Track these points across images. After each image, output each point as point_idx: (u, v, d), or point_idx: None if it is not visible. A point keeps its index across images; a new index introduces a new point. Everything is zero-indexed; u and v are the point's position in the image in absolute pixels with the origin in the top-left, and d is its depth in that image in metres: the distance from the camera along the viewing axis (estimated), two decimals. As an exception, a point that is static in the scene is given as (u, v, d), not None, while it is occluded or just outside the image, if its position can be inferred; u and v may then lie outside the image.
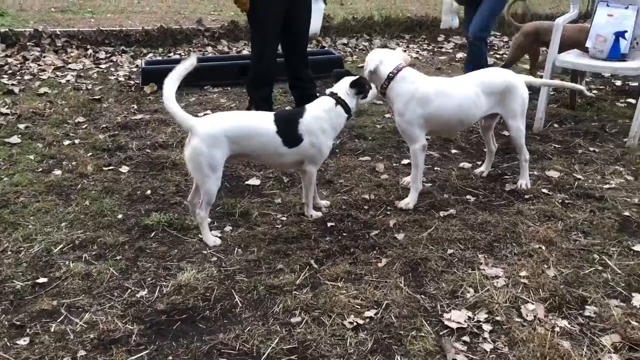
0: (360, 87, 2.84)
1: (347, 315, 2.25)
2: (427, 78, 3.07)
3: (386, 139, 3.97)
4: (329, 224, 2.92)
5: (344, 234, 2.85)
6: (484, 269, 2.54)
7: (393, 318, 2.25)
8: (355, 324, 2.21)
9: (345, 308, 2.29)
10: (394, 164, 3.65)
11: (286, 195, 3.23)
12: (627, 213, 2.98)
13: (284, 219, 2.99)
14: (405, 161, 3.65)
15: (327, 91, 2.89)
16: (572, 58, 4.16)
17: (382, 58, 3.01)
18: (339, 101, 2.80)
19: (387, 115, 4.45)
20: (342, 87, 2.83)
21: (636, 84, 5.17)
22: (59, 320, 2.23)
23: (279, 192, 3.27)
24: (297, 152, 2.75)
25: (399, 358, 2.06)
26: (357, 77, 2.87)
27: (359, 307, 2.31)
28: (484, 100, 3.04)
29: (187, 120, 2.60)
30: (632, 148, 3.80)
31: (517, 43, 4.91)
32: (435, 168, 3.60)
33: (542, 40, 4.67)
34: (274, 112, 2.84)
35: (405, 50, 6.11)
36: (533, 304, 2.33)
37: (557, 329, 2.18)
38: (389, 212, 3.05)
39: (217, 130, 2.60)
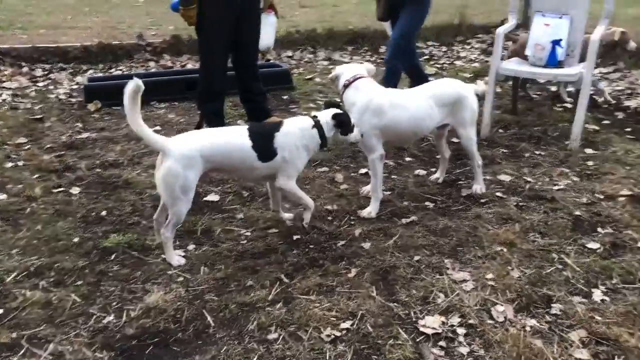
0: (340, 121, 2.83)
1: (323, 328, 2.24)
2: (382, 89, 3.13)
3: (342, 149, 4.00)
4: (294, 237, 2.90)
5: (311, 246, 2.84)
6: (451, 274, 2.59)
7: (369, 328, 2.26)
8: (332, 336, 2.20)
9: (321, 321, 2.28)
10: (352, 174, 3.67)
11: (248, 210, 3.19)
12: (577, 212, 3.12)
13: (249, 234, 2.95)
14: (362, 170, 3.69)
15: (312, 114, 2.90)
16: (514, 66, 4.34)
17: (345, 69, 3.09)
18: (317, 125, 2.80)
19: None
20: (326, 115, 2.85)
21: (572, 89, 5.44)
22: (20, 353, 2.12)
23: (240, 207, 3.23)
24: (270, 166, 2.72)
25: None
26: (343, 112, 2.87)
27: (334, 319, 2.30)
28: (437, 111, 3.12)
29: (159, 142, 2.50)
30: (574, 150, 3.98)
31: (515, 55, 4.93)
32: (392, 176, 3.65)
33: None
34: (247, 127, 2.80)
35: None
36: (502, 305, 2.39)
37: (527, 328, 2.25)
38: (353, 222, 3.07)
39: (192, 150, 2.53)
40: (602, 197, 3.30)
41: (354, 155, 3.92)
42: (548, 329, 2.25)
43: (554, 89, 5.47)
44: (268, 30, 4.23)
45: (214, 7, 3.78)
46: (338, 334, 2.22)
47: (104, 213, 3.14)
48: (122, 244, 2.82)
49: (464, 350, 2.15)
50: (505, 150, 4.05)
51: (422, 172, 3.71)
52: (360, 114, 3.01)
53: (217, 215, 3.15)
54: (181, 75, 5.22)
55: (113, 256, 2.75)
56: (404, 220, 3.08)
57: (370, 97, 3.03)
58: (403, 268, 2.64)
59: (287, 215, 3.08)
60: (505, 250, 2.77)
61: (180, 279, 2.58)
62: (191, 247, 2.84)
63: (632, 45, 4.64)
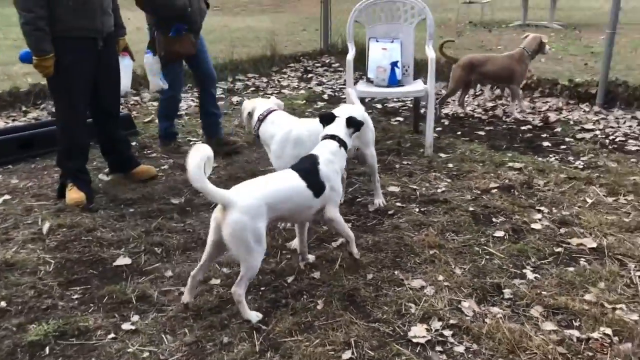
0: (356, 124, 2.88)
1: (331, 364, 2.21)
2: (297, 120, 3.19)
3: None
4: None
5: (262, 288, 2.76)
6: (408, 284, 2.75)
7: (370, 352, 2.29)
8: None
9: (322, 358, 2.25)
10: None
11: (173, 266, 2.96)
12: (471, 208, 3.53)
13: (190, 290, 2.73)
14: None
15: (325, 133, 2.84)
16: (364, 87, 4.71)
17: (257, 103, 3.09)
18: (341, 143, 2.79)
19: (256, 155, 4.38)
20: (340, 127, 2.82)
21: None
22: None
23: (163, 265, 2.98)
24: (321, 199, 2.66)
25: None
26: (349, 115, 2.89)
27: (333, 352, 2.29)
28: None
29: (225, 196, 2.35)
30: (431, 156, 4.46)
31: (455, 75, 5.38)
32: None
33: (477, 72, 5.34)
34: (293, 168, 2.67)
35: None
36: (465, 301, 2.61)
37: (498, 315, 2.50)
38: (288, 256, 3.05)
39: (259, 200, 2.39)
40: (479, 192, 3.77)
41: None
42: (512, 312, 2.54)
43: (392, 105, 6.02)
44: (126, 73, 3.96)
45: (72, 53, 3.43)
46: (346, 366, 2.21)
47: (3, 304, 2.63)
48: (51, 333, 2.41)
49: (460, 349, 2.32)
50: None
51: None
52: (282, 146, 3.03)
53: (142, 278, 2.86)
54: (11, 134, 4.55)
55: (47, 350, 2.33)
56: (333, 244, 3.15)
57: (289, 128, 3.07)
58: (363, 289, 2.71)
59: (311, 257, 2.96)
60: (437, 252, 3.02)
61: (146, 354, 2.30)
62: (135, 318, 2.55)
63: (547, 49, 5.39)
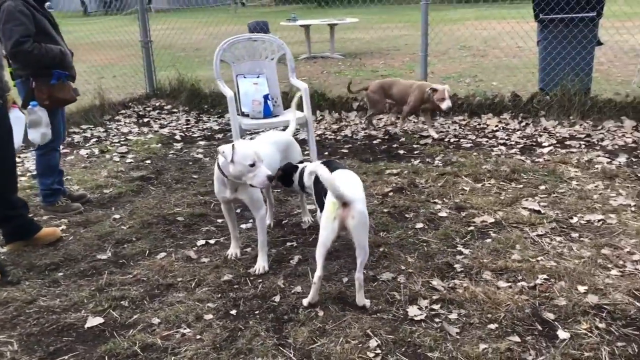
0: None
1: (371, 353, 2.50)
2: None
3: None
4: (232, 312, 2.89)
5: (256, 312, 2.90)
6: (380, 278, 3.13)
7: (389, 335, 2.63)
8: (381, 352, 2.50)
9: (354, 351, 2.52)
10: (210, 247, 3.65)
11: (154, 313, 2.92)
12: (385, 210, 4.05)
13: (189, 330, 2.76)
14: (200, 242, 3.71)
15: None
16: (247, 120, 4.98)
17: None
18: None
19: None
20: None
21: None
22: None
23: (141, 315, 2.91)
24: None
25: (437, 355, 2.51)
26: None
27: (360, 344, 2.57)
28: (278, 156, 3.57)
29: (347, 193, 2.71)
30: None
31: (371, 99, 6.11)
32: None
33: (387, 94, 6.02)
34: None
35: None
36: (433, 280, 3.09)
37: (464, 285, 3.03)
38: (259, 280, 3.21)
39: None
40: (381, 196, 4.33)
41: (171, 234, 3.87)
42: (470, 280, 3.08)
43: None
44: (18, 127, 3.67)
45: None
46: (384, 348, 2.52)
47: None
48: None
49: (453, 316, 2.77)
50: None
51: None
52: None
53: (129, 331, 2.78)
54: None
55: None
56: (292, 261, 3.39)
57: None
58: (347, 290, 3.03)
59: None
60: (385, 249, 3.45)
61: (193, 394, 2.33)
62: (154, 366, 2.51)
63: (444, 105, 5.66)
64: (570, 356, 2.42)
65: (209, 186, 4.72)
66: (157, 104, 8.03)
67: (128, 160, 5.55)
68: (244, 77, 5.18)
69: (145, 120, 7.37)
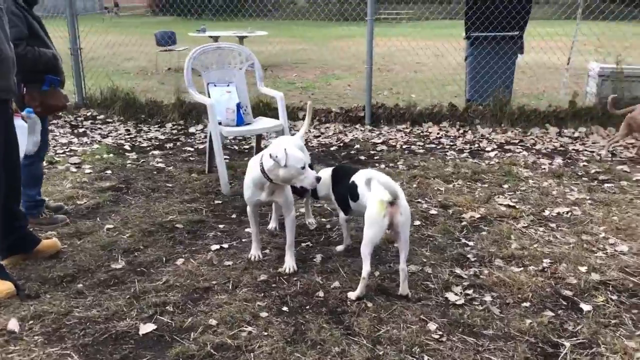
0: None
1: (415, 344, 2.74)
2: None
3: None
4: (283, 309, 2.98)
5: (310, 309, 3.02)
6: (409, 269, 3.38)
7: (442, 319, 2.89)
8: (439, 333, 2.75)
9: (419, 334, 2.75)
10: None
11: (205, 316, 2.93)
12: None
13: (251, 328, 2.82)
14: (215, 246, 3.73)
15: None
16: (228, 128, 4.98)
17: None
18: None
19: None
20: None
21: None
22: None
23: (194, 318, 2.92)
24: None
25: (492, 332, 2.80)
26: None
27: (420, 328, 2.80)
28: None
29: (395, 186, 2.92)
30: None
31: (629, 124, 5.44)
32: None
33: None
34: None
35: None
36: (455, 269, 3.40)
37: (484, 271, 3.37)
38: (295, 278, 3.32)
39: None
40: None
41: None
42: (486, 267, 3.43)
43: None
44: (22, 138, 3.47)
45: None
46: (443, 329, 2.77)
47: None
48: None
49: (487, 298, 3.09)
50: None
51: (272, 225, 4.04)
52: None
53: (191, 334, 2.77)
54: None
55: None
56: (316, 260, 3.54)
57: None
58: (384, 282, 3.24)
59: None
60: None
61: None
62: (236, 364, 2.56)
63: None
64: (602, 324, 2.82)
65: (190, 194, 4.69)
66: (89, 114, 7.68)
67: (87, 171, 5.32)
68: (215, 86, 5.20)
69: (81, 130, 7.04)
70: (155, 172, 5.32)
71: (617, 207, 4.33)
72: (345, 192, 3.35)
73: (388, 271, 3.35)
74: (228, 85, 5.23)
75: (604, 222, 4.05)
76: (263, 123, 5.16)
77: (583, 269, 3.36)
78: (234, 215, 4.26)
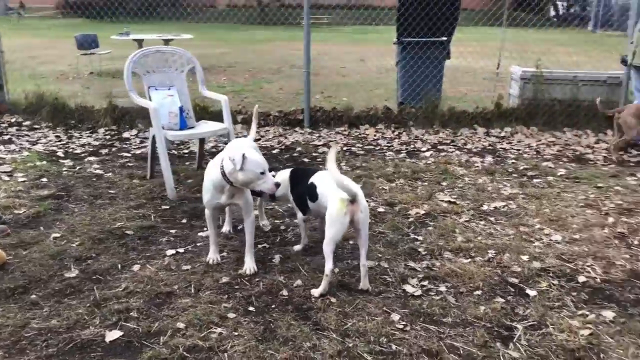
0: None
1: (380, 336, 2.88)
2: None
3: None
4: (250, 309, 3.03)
5: (275, 308, 3.09)
6: (368, 265, 3.51)
7: (404, 310, 3.04)
8: (403, 324, 2.89)
9: (384, 325, 2.89)
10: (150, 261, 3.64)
11: (171, 318, 2.93)
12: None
13: (221, 329, 2.84)
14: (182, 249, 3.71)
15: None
16: (173, 132, 4.93)
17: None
18: None
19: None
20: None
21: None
22: None
23: (161, 322, 2.90)
24: None
25: (451, 320, 2.98)
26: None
27: (384, 320, 2.94)
28: None
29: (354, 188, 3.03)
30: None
31: (628, 123, 5.66)
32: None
33: None
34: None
35: None
36: (409, 262, 3.57)
37: (436, 264, 3.56)
38: (257, 279, 3.37)
39: None
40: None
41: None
42: (436, 260, 3.62)
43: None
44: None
45: None
46: (406, 319, 2.92)
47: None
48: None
49: (443, 288, 3.28)
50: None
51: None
52: None
53: (159, 338, 2.76)
54: None
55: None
56: (275, 260, 3.60)
57: None
58: (344, 278, 3.36)
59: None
60: (353, 241, 3.84)
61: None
62: (211, 364, 2.59)
63: None
64: (548, 307, 3.06)
65: (135, 200, 4.62)
66: (13, 120, 7.33)
67: (20, 180, 5.10)
68: (156, 89, 5.14)
69: (6, 137, 6.71)
70: (94, 179, 5.18)
71: (547, 200, 4.66)
72: (304, 193, 3.43)
73: (347, 267, 3.46)
74: (169, 89, 5.18)
75: (538, 214, 4.35)
76: (208, 126, 5.15)
77: (525, 257, 3.61)
78: (184, 220, 4.23)
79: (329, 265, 3.09)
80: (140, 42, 12.42)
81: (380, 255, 3.63)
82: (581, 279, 3.38)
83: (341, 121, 7.13)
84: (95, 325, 2.84)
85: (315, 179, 3.36)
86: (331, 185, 3.15)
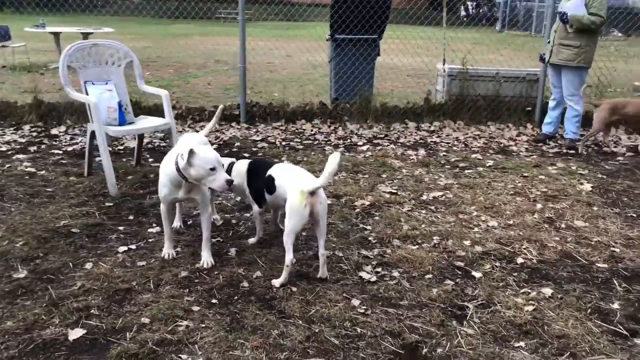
0: None
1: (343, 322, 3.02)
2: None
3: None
4: (213, 301, 3.07)
5: (238, 299, 3.15)
6: (323, 254, 3.63)
7: (362, 295, 3.18)
8: (364, 308, 3.04)
9: (346, 310, 3.02)
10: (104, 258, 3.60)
11: (143, 310, 2.92)
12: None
13: (187, 322, 2.87)
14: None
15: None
16: (115, 128, 4.80)
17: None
18: None
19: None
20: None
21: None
22: None
23: (122, 318, 2.88)
24: None
25: (407, 302, 3.15)
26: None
27: (345, 306, 3.07)
28: None
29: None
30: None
31: (600, 117, 6.17)
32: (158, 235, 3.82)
33: (619, 113, 6.13)
34: None
35: None
36: (362, 251, 3.72)
37: (387, 251, 3.73)
38: (215, 272, 3.41)
39: None
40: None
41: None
42: (386, 247, 3.80)
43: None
44: None
45: None
46: (366, 304, 3.07)
47: None
48: None
49: (396, 273, 3.45)
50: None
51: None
52: None
53: (126, 334, 2.74)
54: None
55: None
56: (231, 253, 3.64)
57: None
58: (302, 268, 3.46)
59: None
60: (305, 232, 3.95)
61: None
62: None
63: None
64: (493, 287, 3.30)
65: (76, 198, 4.50)
66: None
67: (-56, 180, 4.81)
68: (93, 84, 5.00)
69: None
70: (27, 177, 4.97)
71: (480, 189, 4.97)
72: (262, 185, 3.48)
73: (303, 258, 3.55)
74: (107, 84, 5.05)
75: (473, 202, 4.64)
76: (149, 122, 5.07)
77: (467, 242, 3.85)
78: (131, 217, 4.17)
79: (289, 256, 3.16)
80: (57, 35, 11.89)
81: (334, 245, 3.75)
82: (519, 260, 3.64)
83: (278, 116, 7.19)
84: (55, 325, 2.78)
85: (273, 171, 3.43)
86: (290, 177, 3.23)
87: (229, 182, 3.20)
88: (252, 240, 3.75)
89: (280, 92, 8.58)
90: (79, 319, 2.83)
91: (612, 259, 3.69)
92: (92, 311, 2.90)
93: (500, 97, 7.40)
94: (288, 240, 3.16)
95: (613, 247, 3.86)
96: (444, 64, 7.82)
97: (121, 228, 3.95)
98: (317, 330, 2.79)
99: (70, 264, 3.41)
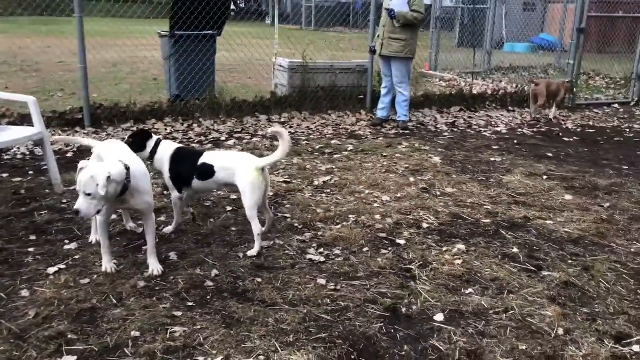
0: None
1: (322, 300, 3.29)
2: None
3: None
4: (189, 304, 3.07)
5: (213, 299, 3.18)
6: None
7: (330, 273, 3.46)
8: (334, 287, 3.33)
9: (316, 290, 3.28)
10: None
11: (125, 325, 2.81)
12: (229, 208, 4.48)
13: (181, 328, 2.85)
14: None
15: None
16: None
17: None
18: None
19: None
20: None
21: None
22: None
23: (112, 335, 2.76)
24: None
25: (362, 274, 3.49)
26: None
27: (313, 283, 3.32)
28: None
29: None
30: (65, 190, 4.71)
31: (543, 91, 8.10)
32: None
33: (549, 90, 8.12)
34: None
35: None
36: (306, 232, 3.96)
37: (328, 231, 4.02)
38: (171, 277, 3.36)
39: None
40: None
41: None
42: (322, 230, 4.10)
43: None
44: None
45: None
46: (332, 281, 3.35)
47: None
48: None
49: (338, 251, 3.78)
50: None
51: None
52: None
53: (125, 350, 2.64)
54: None
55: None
56: (172, 258, 3.60)
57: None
58: (257, 261, 3.59)
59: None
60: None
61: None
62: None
63: None
64: (421, 249, 3.80)
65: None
66: None
67: None
68: None
69: None
70: None
71: (357, 170, 5.48)
72: (189, 172, 3.56)
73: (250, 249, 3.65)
74: None
75: (359, 182, 5.12)
76: (16, 132, 4.55)
77: (378, 217, 4.31)
78: (32, 237, 3.80)
79: (257, 226, 3.55)
80: None
81: (269, 235, 3.90)
82: (425, 225, 4.21)
83: (125, 117, 6.87)
84: (34, 358, 2.53)
85: (207, 159, 3.56)
86: (236, 160, 3.58)
87: (76, 212, 2.97)
88: (168, 228, 3.81)
89: (94, 92, 8.10)
90: (59, 347, 2.61)
91: (490, 215, 4.45)
92: (69, 336, 2.69)
93: (337, 88, 8.04)
94: (252, 214, 3.51)
95: (485, 205, 4.65)
96: (275, 59, 8.23)
97: (32, 250, 3.58)
98: (305, 311, 2.98)
99: (2, 294, 3.04)
